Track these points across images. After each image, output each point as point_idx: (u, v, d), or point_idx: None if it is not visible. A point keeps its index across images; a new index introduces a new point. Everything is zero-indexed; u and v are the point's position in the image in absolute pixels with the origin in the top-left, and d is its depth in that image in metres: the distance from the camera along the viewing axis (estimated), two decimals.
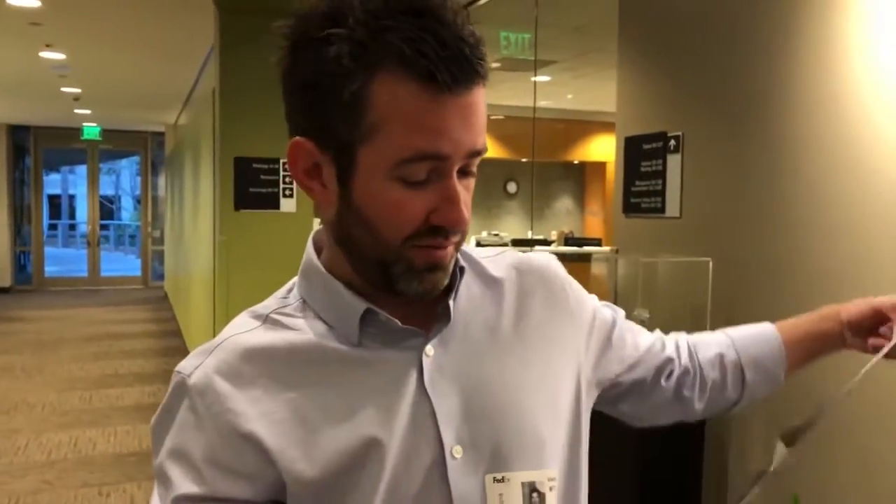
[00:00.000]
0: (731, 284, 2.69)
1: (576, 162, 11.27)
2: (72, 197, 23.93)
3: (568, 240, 9.46)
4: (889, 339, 0.89)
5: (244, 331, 0.74)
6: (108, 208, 22.49)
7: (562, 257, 0.90)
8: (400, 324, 0.72)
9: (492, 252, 0.85)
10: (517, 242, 8.56)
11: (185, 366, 0.73)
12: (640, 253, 3.14)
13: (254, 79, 4.61)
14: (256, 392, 0.70)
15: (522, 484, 0.73)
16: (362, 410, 0.70)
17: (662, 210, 3.08)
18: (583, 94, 9.05)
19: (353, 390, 0.71)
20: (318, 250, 0.77)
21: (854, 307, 0.94)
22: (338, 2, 0.66)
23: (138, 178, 15.24)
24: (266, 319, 0.75)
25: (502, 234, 9.48)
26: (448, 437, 0.70)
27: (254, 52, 4.59)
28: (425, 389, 0.71)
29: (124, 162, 21.82)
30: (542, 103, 9.72)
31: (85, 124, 12.08)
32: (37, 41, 6.15)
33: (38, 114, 11.43)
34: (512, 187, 11.21)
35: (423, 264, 0.69)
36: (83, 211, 16.38)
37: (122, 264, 16.49)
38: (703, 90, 2.91)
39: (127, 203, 24.34)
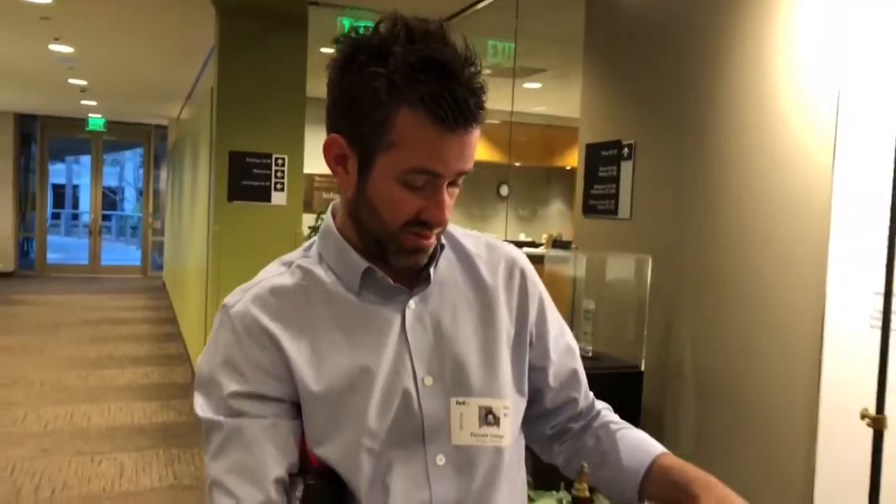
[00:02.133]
0: (669, 280, 2.97)
1: (567, 167, 11.54)
2: (76, 187, 24.18)
3: (556, 242, 9.71)
4: None
5: (275, 275, 0.96)
6: (110, 199, 22.74)
7: (535, 257, 1.05)
8: (392, 281, 0.94)
9: (472, 233, 1.07)
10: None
11: (228, 301, 0.95)
12: (594, 251, 3.41)
13: (250, 79, 4.90)
14: (283, 321, 0.92)
15: (480, 407, 0.94)
16: (359, 345, 0.92)
17: (615, 212, 3.35)
18: (574, 102, 9.31)
19: (354, 330, 0.93)
20: (334, 217, 0.99)
21: None
22: (386, 41, 0.85)
23: (141, 171, 15.50)
24: (291, 266, 0.97)
25: (493, 235, 9.70)
26: (420, 369, 0.93)
27: (251, 54, 4.90)
28: (406, 333, 0.94)
29: (128, 154, 22.05)
30: (537, 109, 9.98)
31: (90, 115, 12.34)
32: (46, 35, 6.42)
33: (46, 104, 11.71)
34: (504, 190, 11.45)
35: (412, 247, 0.91)
36: (86, 201, 16.64)
37: (122, 254, 16.76)
38: (654, 104, 3.18)
39: (130, 194, 24.57)
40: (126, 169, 24.36)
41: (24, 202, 13.15)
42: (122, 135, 13.99)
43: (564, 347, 1.08)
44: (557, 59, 7.05)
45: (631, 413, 2.93)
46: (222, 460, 0.89)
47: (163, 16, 5.79)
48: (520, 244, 8.71)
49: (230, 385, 0.90)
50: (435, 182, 0.88)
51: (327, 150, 0.93)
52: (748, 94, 2.67)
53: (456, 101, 0.83)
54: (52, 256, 13.79)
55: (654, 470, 0.99)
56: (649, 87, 3.20)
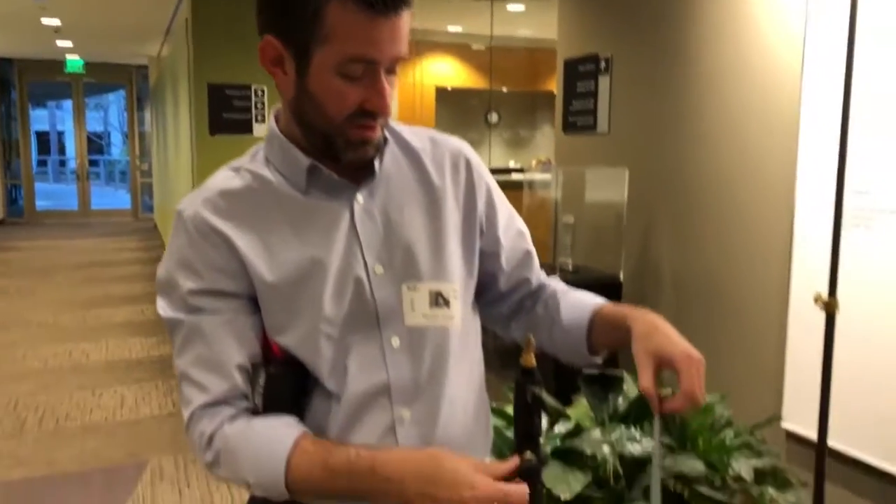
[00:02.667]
0: (646, 190, 3.01)
1: (554, 92, 11.42)
2: (60, 134, 23.85)
3: (545, 165, 9.71)
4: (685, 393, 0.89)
5: (224, 179, 0.99)
6: (97, 144, 22.48)
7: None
8: (337, 177, 0.96)
9: (415, 128, 1.10)
10: (497, 171, 8.79)
11: (181, 206, 0.98)
12: (574, 167, 3.44)
13: (225, 9, 4.81)
14: (233, 221, 0.95)
15: (430, 292, 0.98)
16: (309, 240, 0.95)
17: (594, 127, 3.36)
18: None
19: (303, 226, 0.96)
20: (278, 121, 1.01)
21: (645, 348, 0.93)
22: None
23: (126, 113, 15.29)
24: (239, 170, 1.00)
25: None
26: (370, 258, 0.97)
27: None
28: (355, 226, 0.97)
29: (112, 97, 21.71)
30: (521, 33, 9.82)
31: (68, 57, 12.10)
32: None
33: (21, 47, 11.45)
34: (493, 118, 11.36)
35: (358, 139, 0.93)
36: (72, 147, 16.50)
37: (112, 199, 16.68)
38: (629, 16, 3.15)
39: (116, 139, 24.28)
40: (111, 113, 24.01)
41: (9, 150, 13.02)
42: (102, 76, 13.74)
43: (515, 232, 1.12)
44: None
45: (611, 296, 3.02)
46: (186, 355, 0.94)
47: None
48: (508, 171, 8.67)
49: (187, 284, 0.94)
50: (373, 69, 0.90)
51: (263, 53, 0.93)
52: (721, 7, 2.66)
53: None
54: (41, 203, 13.73)
55: (596, 321, 1.04)
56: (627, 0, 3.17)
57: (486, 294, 1.11)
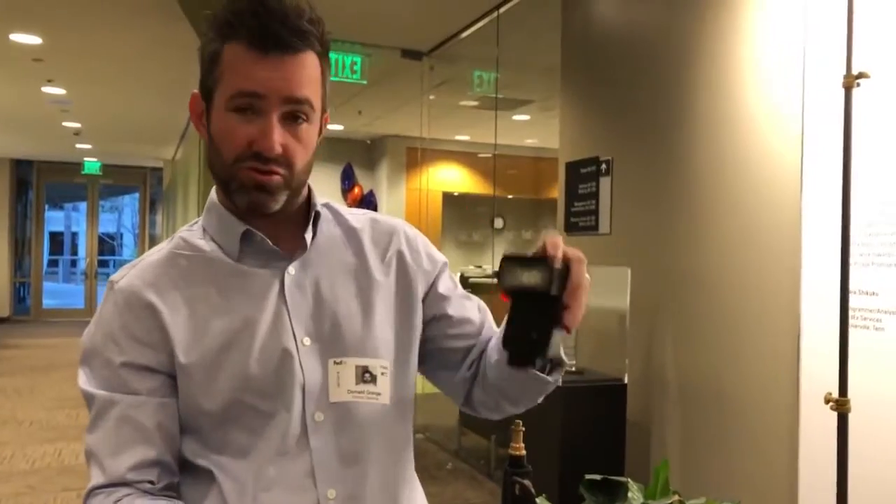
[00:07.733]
0: (650, 291, 2.96)
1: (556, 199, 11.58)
2: (74, 234, 24.24)
3: None
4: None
5: (158, 250, 1.00)
6: (109, 245, 22.79)
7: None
8: (271, 244, 0.96)
9: (357, 210, 1.10)
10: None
11: (115, 276, 0.99)
12: None
13: None
14: (163, 290, 0.95)
15: (357, 366, 0.97)
16: (238, 308, 0.95)
17: (596, 228, 3.36)
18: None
19: (233, 294, 0.96)
20: (218, 193, 1.01)
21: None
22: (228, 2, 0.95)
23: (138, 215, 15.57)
24: (173, 240, 1.01)
25: (484, 266, 9.75)
26: (299, 330, 0.96)
27: None
28: (285, 296, 0.97)
29: (127, 199, 22.19)
30: (528, 142, 10.08)
31: (86, 159, 12.45)
32: (38, 77, 6.52)
33: (41, 148, 11.82)
34: (499, 223, 11.49)
35: (250, 183, 0.92)
36: (84, 247, 16.71)
37: None
38: (629, 119, 3.22)
39: (128, 240, 24.62)
40: (125, 214, 24.45)
41: (21, 248, 13.19)
42: (118, 178, 14.08)
43: (462, 294, 1.10)
44: (543, 91, 7.14)
45: (616, 425, 2.92)
46: (96, 432, 0.92)
47: (154, 55, 5.89)
48: None
49: (107, 356, 0.93)
50: (261, 107, 0.90)
51: (191, 109, 0.98)
52: (718, 107, 2.71)
53: (266, 28, 0.89)
54: (48, 302, 13.77)
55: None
56: (624, 103, 3.24)
57: (442, 361, 1.07)
